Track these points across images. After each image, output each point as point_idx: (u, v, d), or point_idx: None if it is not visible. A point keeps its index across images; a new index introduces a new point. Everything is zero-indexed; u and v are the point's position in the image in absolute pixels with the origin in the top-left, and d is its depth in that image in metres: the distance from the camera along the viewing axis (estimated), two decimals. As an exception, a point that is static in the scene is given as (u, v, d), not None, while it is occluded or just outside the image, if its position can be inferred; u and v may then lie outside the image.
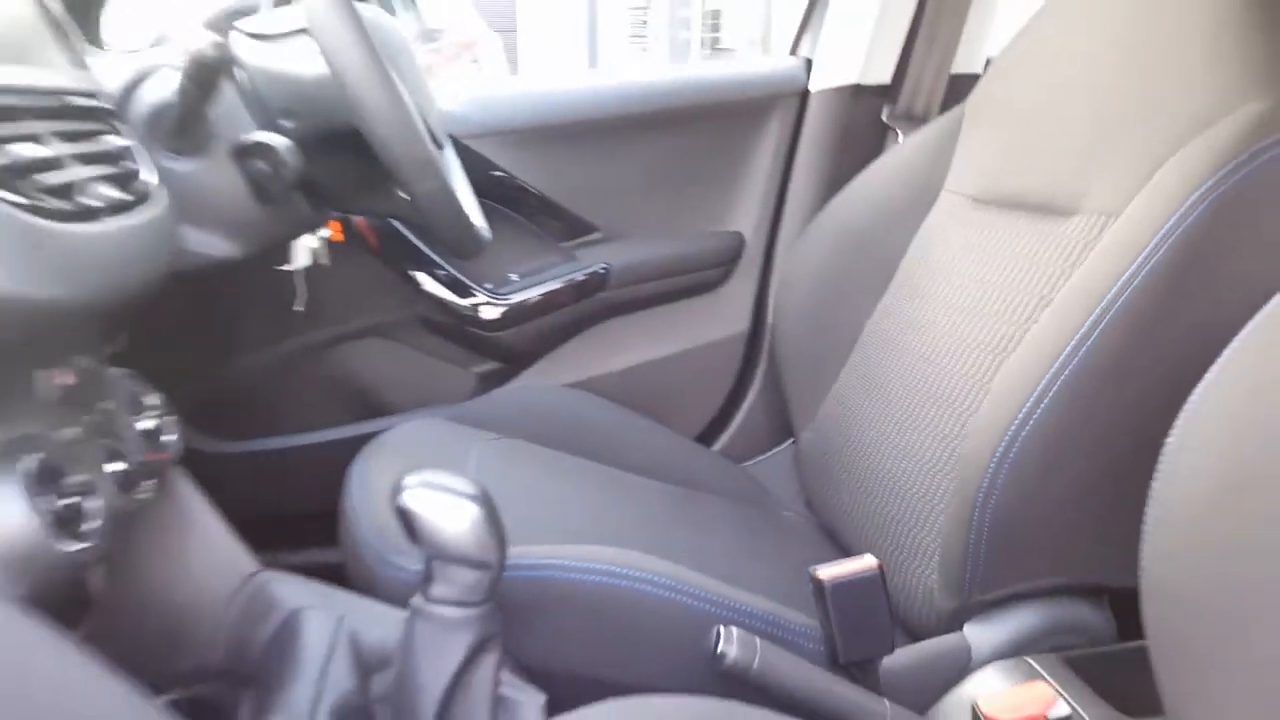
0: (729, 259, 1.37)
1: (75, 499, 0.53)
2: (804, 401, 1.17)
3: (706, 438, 1.37)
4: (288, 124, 0.80)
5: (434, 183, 0.75)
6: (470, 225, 0.83)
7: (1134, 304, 0.72)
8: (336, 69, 0.70)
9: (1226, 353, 0.54)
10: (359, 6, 0.74)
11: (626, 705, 0.54)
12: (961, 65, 1.33)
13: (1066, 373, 0.73)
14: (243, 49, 0.79)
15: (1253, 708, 0.46)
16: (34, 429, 0.54)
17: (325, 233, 1.12)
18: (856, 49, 1.30)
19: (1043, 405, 0.73)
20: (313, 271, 1.12)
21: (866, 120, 1.32)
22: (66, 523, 0.51)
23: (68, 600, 0.57)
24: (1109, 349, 0.72)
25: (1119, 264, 0.74)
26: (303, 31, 0.75)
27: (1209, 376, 0.54)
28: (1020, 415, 0.74)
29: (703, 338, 1.37)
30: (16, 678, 0.47)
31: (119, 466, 0.58)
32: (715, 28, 9.09)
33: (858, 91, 1.31)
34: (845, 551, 1.02)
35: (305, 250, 1.08)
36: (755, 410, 1.37)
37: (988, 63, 1.34)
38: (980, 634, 0.81)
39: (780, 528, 1.11)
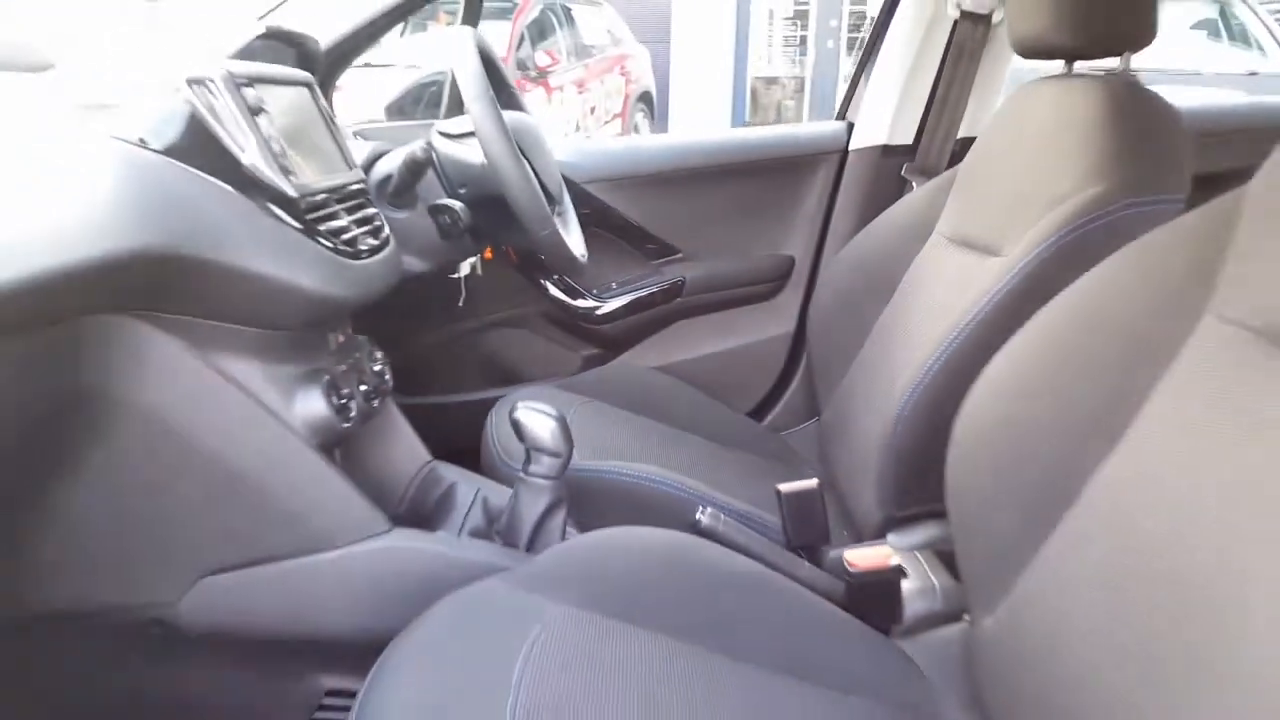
0: (781, 276, 1.77)
1: (345, 401, 1.00)
2: (826, 386, 1.56)
3: (758, 413, 1.78)
4: (462, 192, 1.28)
5: (547, 229, 1.20)
6: (571, 254, 1.27)
7: (988, 316, 1.09)
8: (490, 159, 1.16)
9: (1001, 350, 0.93)
10: (506, 114, 1.20)
11: (629, 530, 0.96)
12: (971, 130, 1.69)
13: (942, 360, 1.10)
14: (437, 142, 1.26)
15: (997, 559, 0.85)
16: (325, 364, 1.02)
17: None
18: (886, 117, 1.68)
19: (923, 382, 1.11)
20: (470, 278, 1.60)
21: (891, 173, 1.70)
22: (341, 411, 0.99)
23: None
24: (970, 344, 1.09)
25: (987, 289, 1.11)
26: (473, 134, 1.22)
27: (992, 361, 0.93)
28: (911, 388, 1.12)
29: (758, 336, 1.79)
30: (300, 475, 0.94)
31: (364, 388, 1.06)
32: (877, 33, 9.26)
33: (885, 150, 1.69)
34: (834, 494, 1.41)
35: (467, 264, 1.56)
36: (796, 393, 1.77)
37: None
38: (898, 539, 1.20)
39: (794, 476, 1.50)
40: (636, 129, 7.56)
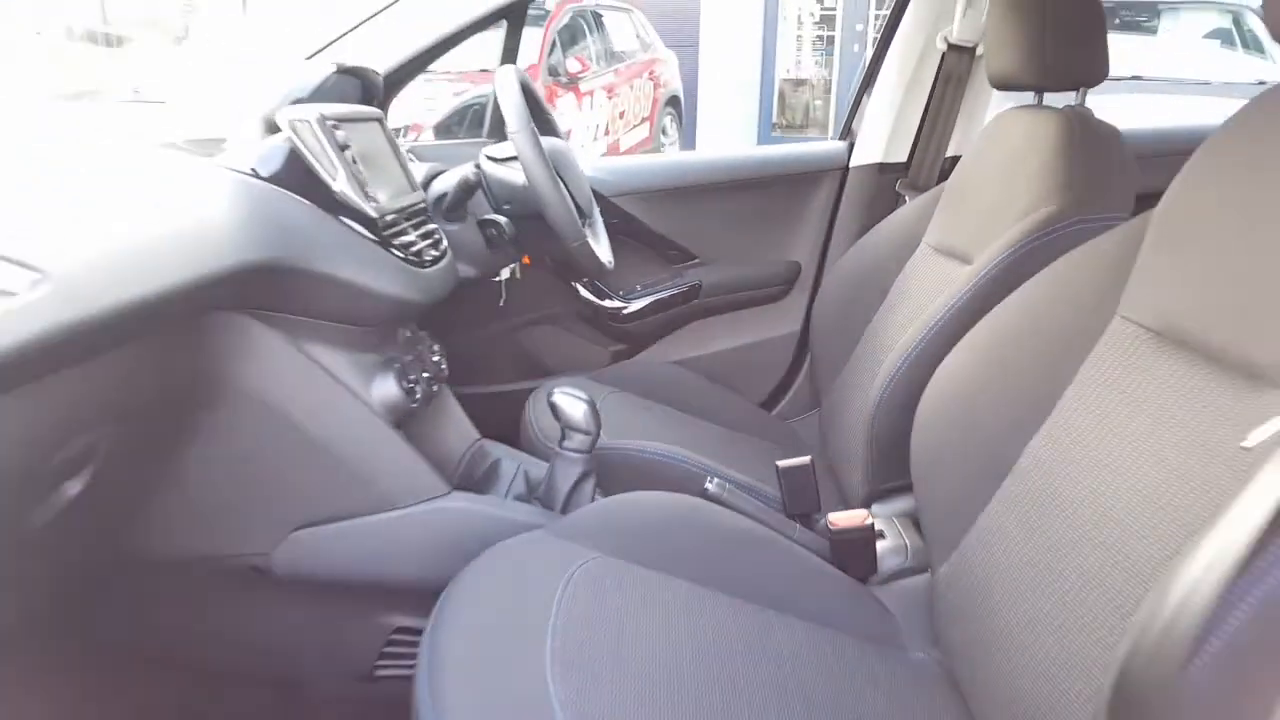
0: (789, 280, 1.96)
1: (412, 385, 1.20)
2: (827, 379, 1.74)
3: (767, 404, 1.97)
4: (507, 208, 1.48)
5: (579, 240, 1.39)
6: (600, 261, 1.47)
7: (953, 316, 1.26)
8: (530, 180, 1.35)
9: (956, 346, 1.11)
10: (543, 140, 1.40)
11: (648, 494, 1.15)
12: (958, 150, 1.86)
13: (914, 355, 1.28)
14: (485, 165, 1.47)
15: (949, 518, 1.03)
16: (396, 354, 1.22)
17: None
18: (882, 138, 1.87)
19: (897, 375, 1.29)
20: (510, 282, 1.80)
21: (886, 188, 1.88)
22: (409, 393, 1.19)
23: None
24: (938, 341, 1.26)
25: (955, 293, 1.29)
26: (516, 158, 1.41)
27: (948, 355, 1.11)
28: (888, 379, 1.30)
29: (768, 334, 1.97)
30: (375, 446, 1.14)
31: (426, 375, 1.26)
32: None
33: (882, 167, 1.88)
34: (830, 472, 1.60)
35: (507, 269, 1.76)
36: (802, 386, 1.95)
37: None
38: (880, 508, 1.38)
39: (793, 456, 1.69)
40: (665, 132, 7.74)
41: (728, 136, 9.04)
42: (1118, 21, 5.17)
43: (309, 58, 1.53)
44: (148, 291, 0.82)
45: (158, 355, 0.98)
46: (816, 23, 9.39)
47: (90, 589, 1.16)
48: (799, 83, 9.52)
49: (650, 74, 7.45)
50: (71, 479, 0.91)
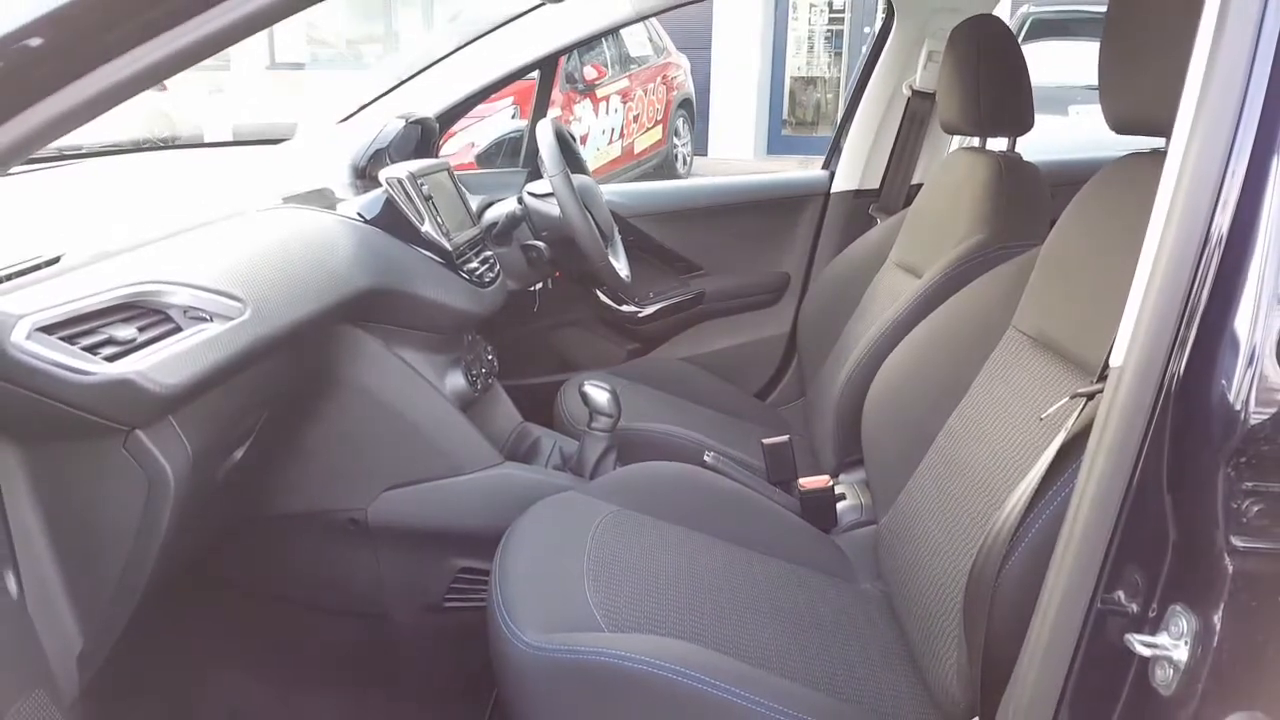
0: (780, 288, 2.29)
1: (475, 378, 1.54)
2: (811, 373, 2.07)
3: (761, 394, 2.30)
4: (544, 234, 1.82)
5: (603, 261, 1.73)
6: (619, 276, 1.80)
7: (900, 321, 1.58)
8: (563, 214, 1.69)
9: (897, 346, 1.44)
10: (574, 178, 1.73)
11: (658, 463, 1.48)
12: (923, 178, 2.19)
13: (870, 352, 1.60)
14: (527, 199, 1.81)
15: (889, 482, 1.36)
16: (462, 354, 1.56)
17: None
18: (858, 168, 2.20)
19: (857, 368, 1.62)
20: (543, 291, 2.13)
21: (861, 211, 2.21)
22: (473, 385, 1.53)
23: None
24: (888, 341, 1.57)
25: (904, 302, 1.61)
26: (552, 195, 1.75)
27: (891, 353, 1.44)
28: (850, 372, 1.63)
29: (761, 334, 2.31)
30: (448, 425, 1.49)
31: (483, 371, 1.60)
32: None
33: (857, 194, 2.21)
34: (811, 449, 1.93)
35: (541, 281, 2.10)
36: (791, 379, 2.29)
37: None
38: (846, 477, 1.70)
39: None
40: (677, 134, 8.03)
41: (739, 136, 9.37)
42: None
43: (341, 121, 1.86)
44: (308, 312, 1.16)
45: (298, 357, 1.32)
46: (826, 25, 9.71)
47: (225, 540, 1.49)
48: (809, 81, 9.84)
49: (663, 78, 7.71)
50: (239, 448, 1.25)
